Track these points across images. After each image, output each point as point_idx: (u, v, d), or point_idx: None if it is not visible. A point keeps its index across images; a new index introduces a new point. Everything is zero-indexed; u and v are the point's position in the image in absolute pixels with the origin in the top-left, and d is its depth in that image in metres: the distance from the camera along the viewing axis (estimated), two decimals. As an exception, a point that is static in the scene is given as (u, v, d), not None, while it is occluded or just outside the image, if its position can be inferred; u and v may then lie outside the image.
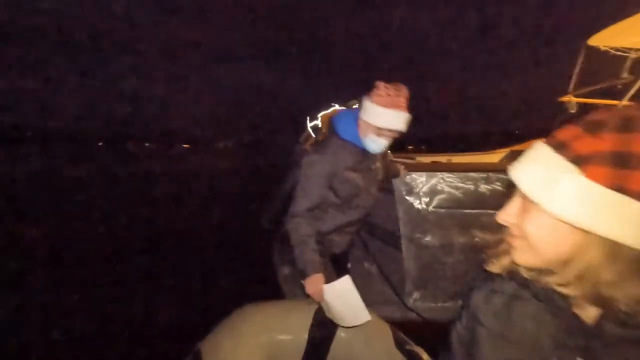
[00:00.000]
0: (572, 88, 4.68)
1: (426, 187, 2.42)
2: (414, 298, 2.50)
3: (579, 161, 0.50)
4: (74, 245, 5.42)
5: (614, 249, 0.49)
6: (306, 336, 1.83)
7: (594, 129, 0.50)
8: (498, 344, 0.57)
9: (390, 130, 1.64)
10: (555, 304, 0.54)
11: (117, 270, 4.51)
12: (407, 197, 2.46)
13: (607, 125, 0.50)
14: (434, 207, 2.45)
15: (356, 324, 1.58)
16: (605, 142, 0.49)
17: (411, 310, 2.53)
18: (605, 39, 4.51)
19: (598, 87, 4.48)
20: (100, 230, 6.19)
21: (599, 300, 0.51)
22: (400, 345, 1.84)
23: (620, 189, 0.47)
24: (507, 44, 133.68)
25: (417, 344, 1.92)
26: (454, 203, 2.46)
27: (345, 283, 1.58)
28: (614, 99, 4.26)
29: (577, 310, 0.55)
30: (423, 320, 2.52)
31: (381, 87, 1.61)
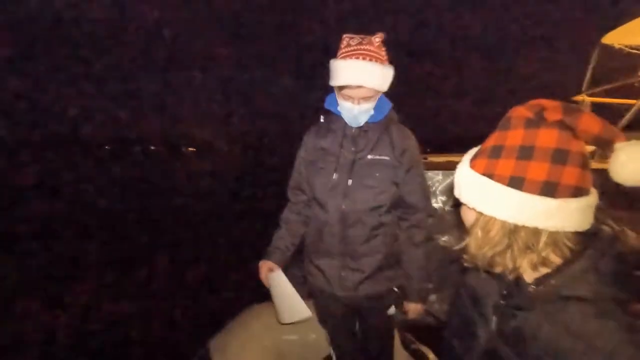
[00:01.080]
0: (585, 87, 4.61)
1: (443, 186, 2.36)
2: (431, 300, 2.42)
3: (475, 155, 0.64)
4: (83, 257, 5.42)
5: (488, 222, 0.61)
6: (314, 336, 1.81)
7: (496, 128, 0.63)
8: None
9: (350, 88, 1.27)
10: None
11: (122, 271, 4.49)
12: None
13: (499, 124, 0.62)
14: (451, 207, 2.38)
15: (293, 321, 1.48)
16: (492, 139, 0.62)
17: (428, 314, 2.45)
18: (620, 37, 4.43)
19: (612, 85, 4.40)
20: (103, 236, 6.12)
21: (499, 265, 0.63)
22: (406, 345, 1.82)
23: (490, 175, 0.59)
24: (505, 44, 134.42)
25: (433, 346, 1.89)
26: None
27: (277, 276, 1.48)
28: (629, 98, 4.17)
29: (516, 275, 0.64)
30: (439, 323, 2.45)
31: (344, 39, 1.31)
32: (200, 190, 12.44)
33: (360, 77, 1.25)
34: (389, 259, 1.43)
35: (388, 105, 1.41)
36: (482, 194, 0.60)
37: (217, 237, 6.17)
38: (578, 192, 0.56)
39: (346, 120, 1.36)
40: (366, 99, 1.30)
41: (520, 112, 0.59)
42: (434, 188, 2.38)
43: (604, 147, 0.57)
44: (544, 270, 0.61)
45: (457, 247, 0.69)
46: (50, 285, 3.99)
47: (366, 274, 1.39)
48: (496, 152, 0.59)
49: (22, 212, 7.50)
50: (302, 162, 1.50)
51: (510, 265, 0.62)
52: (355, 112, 1.31)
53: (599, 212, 0.61)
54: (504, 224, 0.59)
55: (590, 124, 0.55)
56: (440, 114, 76.34)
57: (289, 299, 1.46)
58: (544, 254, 0.59)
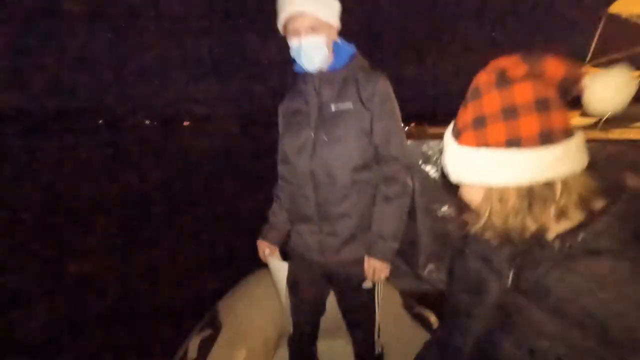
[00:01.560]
0: (590, 57, 4.50)
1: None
2: (429, 270, 2.44)
3: (457, 134, 0.62)
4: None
5: (503, 193, 0.60)
6: None
7: (463, 103, 0.62)
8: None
9: (293, 20, 1.23)
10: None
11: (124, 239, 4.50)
12: (423, 167, 2.36)
13: (467, 96, 0.61)
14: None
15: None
16: (468, 112, 0.60)
17: (425, 282, 2.48)
18: (628, 6, 4.29)
19: (617, 56, 4.29)
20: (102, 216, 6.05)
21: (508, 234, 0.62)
22: (408, 308, 1.83)
23: (485, 145, 0.58)
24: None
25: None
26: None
27: (274, 263, 1.52)
28: (635, 69, 4.08)
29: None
30: (437, 292, 2.47)
31: None
32: (197, 164, 12.30)
33: (299, 2, 1.21)
34: (366, 222, 1.35)
35: (350, 49, 1.33)
36: (486, 166, 0.58)
37: (217, 210, 6.15)
38: (570, 132, 0.57)
39: (303, 66, 1.29)
40: (313, 30, 1.23)
41: (484, 78, 0.59)
42: (435, 158, 2.35)
43: (572, 85, 0.58)
44: (567, 225, 0.59)
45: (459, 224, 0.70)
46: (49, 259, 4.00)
47: (343, 238, 1.33)
48: (480, 123, 0.58)
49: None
50: (281, 132, 1.45)
51: (533, 226, 0.60)
52: (303, 46, 1.24)
53: (622, 172, 0.61)
54: (518, 188, 0.59)
55: (555, 66, 0.57)
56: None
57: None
58: (562, 203, 0.58)
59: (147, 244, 4.48)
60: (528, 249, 0.63)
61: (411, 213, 2.47)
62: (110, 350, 2.37)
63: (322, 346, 1.66)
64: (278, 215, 1.52)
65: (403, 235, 1.36)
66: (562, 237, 0.59)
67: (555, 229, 0.60)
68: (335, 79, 1.30)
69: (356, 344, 1.52)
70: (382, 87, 1.27)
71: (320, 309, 1.52)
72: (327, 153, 1.29)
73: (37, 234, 4.90)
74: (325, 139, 1.29)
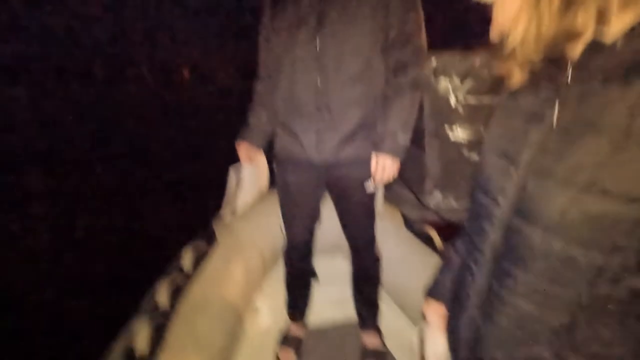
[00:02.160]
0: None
1: (458, 70, 2.11)
2: (435, 197, 2.32)
3: None
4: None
5: None
6: None
7: None
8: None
9: None
10: None
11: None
12: (434, 81, 2.15)
13: None
14: (465, 94, 2.15)
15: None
16: None
17: (430, 210, 2.37)
18: None
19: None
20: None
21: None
22: (409, 224, 1.76)
23: None
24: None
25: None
26: (488, 88, 2.16)
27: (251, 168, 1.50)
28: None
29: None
30: (442, 221, 2.38)
31: None
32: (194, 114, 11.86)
33: None
34: (375, 115, 1.22)
35: None
36: None
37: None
38: None
39: None
40: None
41: None
42: (448, 73, 2.13)
43: None
44: (633, 19, 0.42)
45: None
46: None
47: (344, 134, 1.20)
48: None
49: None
50: (268, 12, 1.25)
51: (586, 22, 0.44)
52: None
53: None
54: None
55: None
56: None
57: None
58: None
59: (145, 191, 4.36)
60: (579, 66, 0.47)
61: (418, 136, 2.32)
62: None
63: (320, 264, 1.60)
64: (260, 114, 1.37)
65: (408, 160, 1.27)
66: (624, 37, 0.43)
67: (616, 26, 0.43)
68: None
69: (354, 252, 1.45)
70: None
71: (314, 213, 1.42)
72: (337, 33, 1.13)
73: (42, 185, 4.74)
74: (335, 17, 1.12)
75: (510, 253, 0.52)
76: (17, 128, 7.56)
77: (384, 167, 1.23)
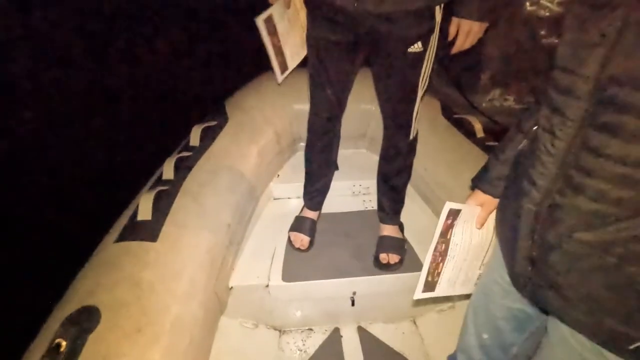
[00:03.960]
0: None
1: None
2: (490, 96, 1.95)
3: None
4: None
5: None
6: None
7: None
8: None
9: None
10: None
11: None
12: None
13: None
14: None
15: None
16: None
17: (482, 113, 2.02)
18: None
19: None
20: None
21: None
22: (448, 113, 1.53)
23: None
24: None
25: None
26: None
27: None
28: None
29: None
30: (496, 127, 2.03)
31: None
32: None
33: None
34: None
35: None
36: None
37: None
38: None
39: None
40: None
41: None
42: None
43: None
44: None
45: None
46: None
47: None
48: None
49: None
50: None
51: None
52: None
53: None
54: None
55: None
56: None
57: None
58: None
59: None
60: None
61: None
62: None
63: (343, 154, 1.43)
64: None
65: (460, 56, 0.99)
66: None
67: None
68: None
69: (386, 134, 1.22)
70: None
71: (346, 82, 1.17)
72: None
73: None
74: None
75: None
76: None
77: (467, 34, 0.97)
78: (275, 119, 1.52)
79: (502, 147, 0.73)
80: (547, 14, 1.67)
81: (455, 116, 1.49)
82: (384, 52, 1.03)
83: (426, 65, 1.05)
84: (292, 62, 1.34)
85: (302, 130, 1.34)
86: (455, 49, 1.04)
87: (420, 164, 1.38)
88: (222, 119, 1.42)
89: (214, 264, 1.09)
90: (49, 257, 1.75)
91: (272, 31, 1.22)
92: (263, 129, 1.47)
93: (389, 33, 0.97)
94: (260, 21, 1.17)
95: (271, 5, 1.19)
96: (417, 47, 0.99)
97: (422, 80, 1.07)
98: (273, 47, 1.24)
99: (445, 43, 1.04)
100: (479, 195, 0.80)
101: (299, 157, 1.50)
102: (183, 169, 1.20)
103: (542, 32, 1.74)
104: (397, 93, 1.11)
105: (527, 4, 1.70)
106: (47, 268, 1.59)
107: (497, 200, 0.75)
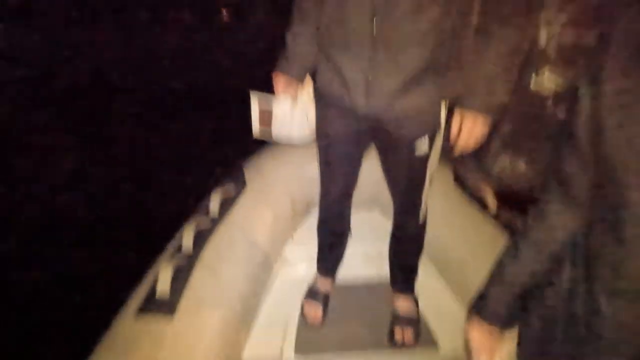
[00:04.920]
0: None
1: None
2: (501, 161, 1.98)
3: None
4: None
5: None
6: None
7: None
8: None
9: None
10: None
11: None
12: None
13: None
14: (561, 27, 1.72)
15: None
16: None
17: (493, 177, 2.04)
18: None
19: None
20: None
21: None
22: (460, 180, 1.56)
23: None
24: None
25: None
26: (593, 19, 1.72)
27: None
28: None
29: None
30: (508, 191, 2.04)
31: None
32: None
33: None
34: (448, 55, 0.93)
35: None
36: None
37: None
38: None
39: None
40: None
41: None
42: None
43: None
44: None
45: None
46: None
47: (403, 79, 0.92)
48: None
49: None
50: None
51: None
52: None
53: None
54: None
55: None
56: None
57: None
58: None
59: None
60: None
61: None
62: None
63: (355, 217, 1.43)
64: (303, 35, 1.08)
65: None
66: None
67: None
68: None
69: (396, 212, 1.25)
70: None
71: (355, 166, 1.21)
72: None
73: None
74: None
75: None
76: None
77: (471, 129, 0.95)
78: (291, 185, 1.57)
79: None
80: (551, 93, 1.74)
81: (468, 185, 1.52)
82: (391, 149, 1.08)
83: (432, 165, 1.08)
84: (278, 132, 1.27)
85: (316, 194, 1.38)
86: (457, 149, 1.01)
87: (433, 234, 1.39)
88: (241, 184, 1.48)
89: (228, 338, 1.09)
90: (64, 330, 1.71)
91: (266, 110, 1.21)
92: (279, 195, 1.52)
93: (397, 133, 1.02)
94: (254, 98, 1.18)
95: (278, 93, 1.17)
96: (423, 149, 1.02)
97: (428, 177, 1.10)
98: (260, 114, 1.21)
99: (447, 145, 1.03)
100: (481, 325, 0.66)
101: (313, 219, 1.53)
102: (202, 238, 1.23)
103: (549, 104, 1.81)
104: (403, 187, 1.15)
105: (531, 84, 1.78)
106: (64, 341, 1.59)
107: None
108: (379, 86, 0.94)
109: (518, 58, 0.93)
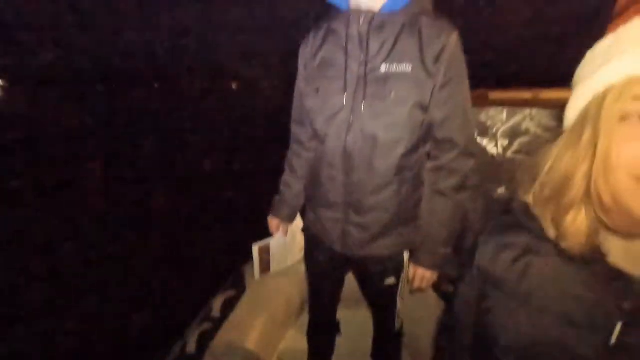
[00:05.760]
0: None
1: (507, 126, 2.02)
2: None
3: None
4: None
5: None
6: None
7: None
8: (513, 307, 0.50)
9: None
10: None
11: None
12: (480, 139, 2.07)
13: None
14: (512, 153, 2.05)
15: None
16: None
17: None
18: None
19: None
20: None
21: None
22: (438, 287, 1.62)
23: None
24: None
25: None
26: (539, 148, 2.04)
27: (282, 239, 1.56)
28: None
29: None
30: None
31: None
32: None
33: None
34: (408, 212, 1.10)
35: None
36: None
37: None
38: None
39: (353, 3, 0.97)
40: None
41: None
42: (495, 129, 2.05)
43: None
44: None
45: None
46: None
47: (373, 233, 1.09)
48: None
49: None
50: (300, 84, 1.16)
51: None
52: None
53: None
54: None
55: None
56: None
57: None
58: None
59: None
60: None
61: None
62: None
63: (344, 314, 1.58)
64: (291, 186, 1.31)
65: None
66: None
67: None
68: (391, 26, 0.96)
69: (376, 319, 1.42)
70: (453, 46, 0.94)
71: (339, 284, 1.40)
72: (370, 129, 0.99)
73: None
74: (368, 110, 0.98)
75: None
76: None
77: (421, 278, 1.14)
78: (288, 289, 1.72)
79: None
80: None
81: (443, 288, 1.66)
82: (364, 278, 1.29)
83: (400, 291, 1.25)
84: (277, 267, 1.69)
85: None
86: (413, 290, 1.20)
87: (413, 337, 1.54)
88: (240, 287, 1.65)
89: None
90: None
91: (265, 256, 1.60)
92: (277, 300, 1.66)
93: (370, 267, 1.20)
94: (255, 250, 1.55)
95: (272, 235, 1.44)
96: (391, 281, 1.20)
97: (399, 298, 1.26)
98: (260, 262, 1.60)
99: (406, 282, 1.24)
100: None
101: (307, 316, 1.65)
102: (204, 341, 1.38)
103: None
104: (377, 306, 1.35)
105: (499, 191, 2.07)
106: None
107: None
108: (352, 238, 1.12)
109: (457, 224, 1.10)
